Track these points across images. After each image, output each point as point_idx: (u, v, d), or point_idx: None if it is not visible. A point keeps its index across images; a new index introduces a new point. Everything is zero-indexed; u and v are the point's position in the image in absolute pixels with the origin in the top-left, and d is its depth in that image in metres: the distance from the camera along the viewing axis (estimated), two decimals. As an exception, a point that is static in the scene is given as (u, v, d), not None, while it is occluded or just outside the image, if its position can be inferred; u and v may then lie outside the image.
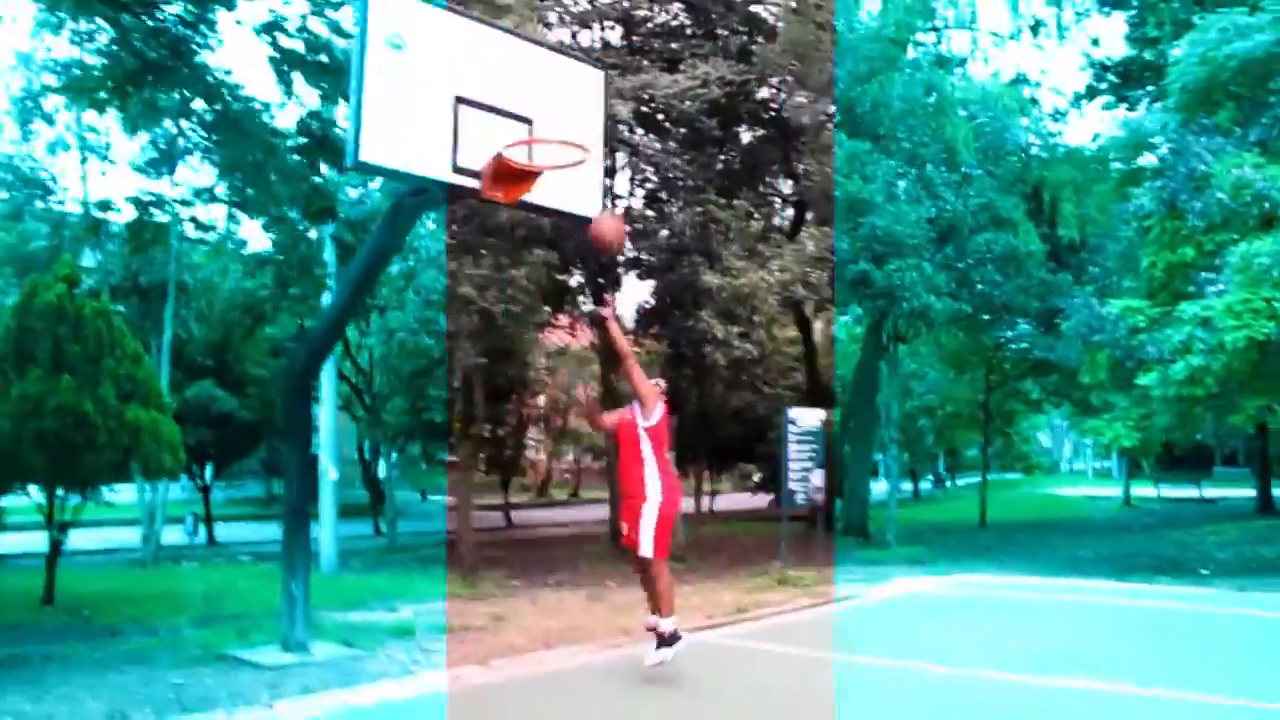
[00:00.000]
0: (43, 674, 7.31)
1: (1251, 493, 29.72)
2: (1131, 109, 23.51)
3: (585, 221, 6.78)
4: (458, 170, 6.03)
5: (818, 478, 13.67)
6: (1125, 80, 22.78)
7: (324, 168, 9.88)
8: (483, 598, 12.82)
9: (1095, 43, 23.80)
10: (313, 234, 10.05)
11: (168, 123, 12.12)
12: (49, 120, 16.42)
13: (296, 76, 9.68)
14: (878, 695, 6.59)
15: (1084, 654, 7.97)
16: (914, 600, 11.62)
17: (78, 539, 17.21)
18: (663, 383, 7.03)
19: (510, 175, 6.03)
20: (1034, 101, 22.58)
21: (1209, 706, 6.15)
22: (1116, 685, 6.63)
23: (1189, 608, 10.56)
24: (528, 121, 6.37)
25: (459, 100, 6.07)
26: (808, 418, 13.72)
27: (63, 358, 11.16)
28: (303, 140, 9.44)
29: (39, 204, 16.71)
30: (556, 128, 6.44)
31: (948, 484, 45.02)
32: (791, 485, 13.21)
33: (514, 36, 6.74)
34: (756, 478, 34.03)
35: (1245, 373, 11.46)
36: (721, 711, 6.23)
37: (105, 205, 11.50)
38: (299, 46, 9.42)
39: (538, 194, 6.37)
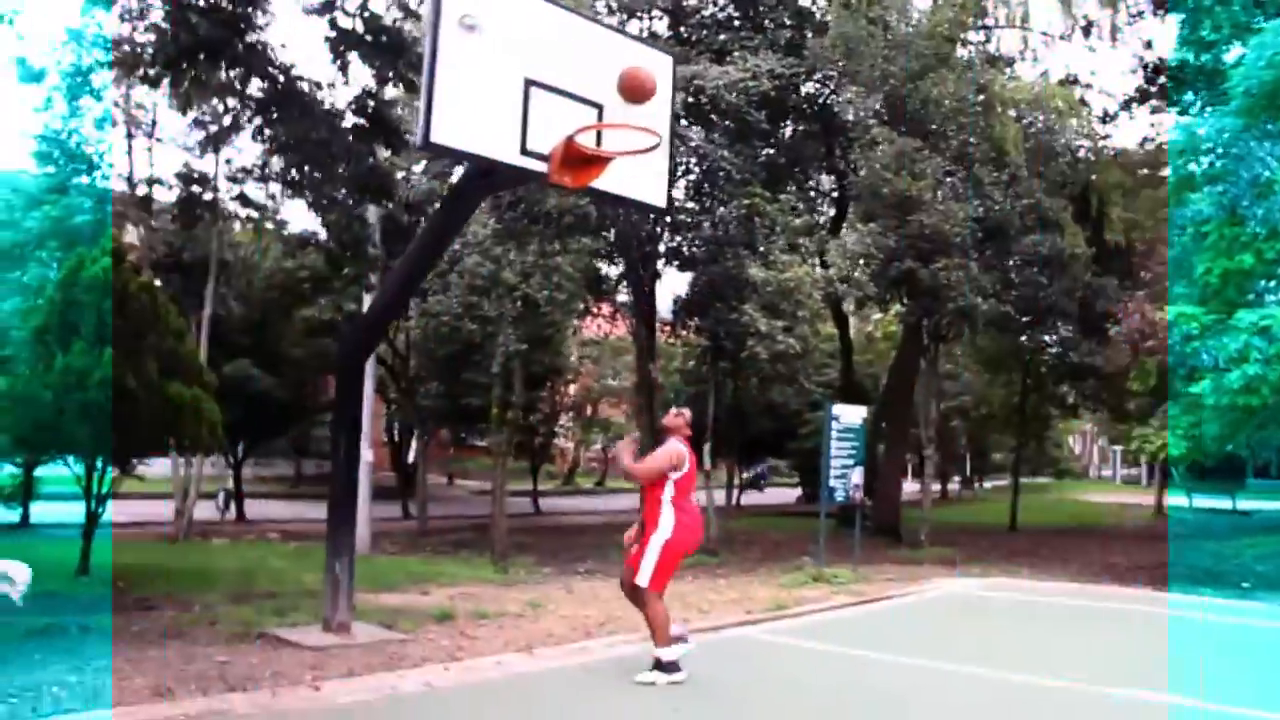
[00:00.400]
0: (82, 645, 7.30)
1: (1287, 506, 29.33)
2: (1183, 113, 23.11)
3: (646, 207, 6.67)
4: (526, 153, 5.93)
5: (857, 475, 13.53)
6: (1177, 84, 22.35)
7: (380, 150, 9.79)
8: (515, 584, 12.79)
9: (1149, 45, 23.26)
10: (365, 215, 9.93)
11: (217, 101, 12.07)
12: (97, 96, 16.45)
13: (352, 56, 9.60)
14: (930, 698, 6.47)
15: (1137, 664, 7.82)
16: (954, 601, 11.48)
17: (112, 512, 17.33)
18: (686, 413, 6.77)
19: (579, 160, 5.92)
20: (1083, 103, 22.26)
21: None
22: (1174, 698, 6.48)
23: (1237, 621, 10.36)
24: (598, 107, 6.26)
25: (529, 83, 5.96)
26: (850, 414, 13.58)
27: (106, 332, 11.18)
28: (357, 121, 9.36)
29: (84, 179, 16.74)
30: (625, 114, 6.32)
31: (975, 486, 44.67)
32: (832, 482, 13.07)
33: (585, 19, 6.63)
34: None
35: (1304, 385, 11.21)
36: (770, 711, 6.10)
37: (154, 180, 11.48)
38: (356, 26, 9.34)
39: (604, 181, 6.26)
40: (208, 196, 14.47)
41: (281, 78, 9.79)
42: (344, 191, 9.66)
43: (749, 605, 10.42)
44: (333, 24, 9.28)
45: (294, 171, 9.69)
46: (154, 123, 16.81)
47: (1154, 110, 23.51)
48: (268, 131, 9.29)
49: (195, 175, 14.27)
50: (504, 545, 15.11)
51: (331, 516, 7.60)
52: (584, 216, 13.71)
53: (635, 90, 6.23)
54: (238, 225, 16.05)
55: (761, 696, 6.51)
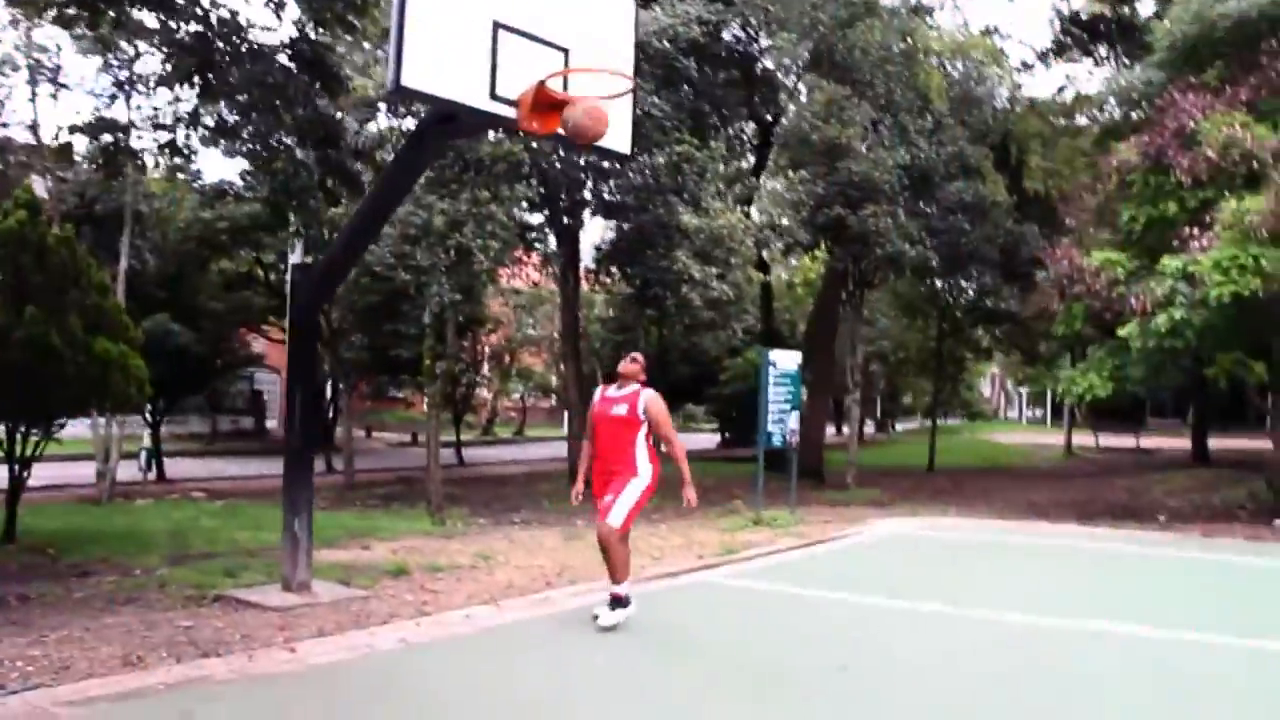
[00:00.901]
0: (28, 616, 7.03)
1: (1184, 443, 30.63)
2: (1097, 65, 23.68)
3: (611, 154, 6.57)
4: (495, 98, 5.79)
5: (794, 420, 13.72)
6: (1093, 36, 22.85)
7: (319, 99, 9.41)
8: (455, 536, 12.69)
9: (1064, -4, 23.67)
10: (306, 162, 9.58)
11: (131, 44, 11.54)
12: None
13: (286, -2, 9.23)
14: (904, 637, 6.63)
15: (1089, 596, 8.14)
16: (896, 541, 11.78)
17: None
18: (640, 358, 6.85)
19: (549, 105, 5.81)
20: (1003, 53, 22.61)
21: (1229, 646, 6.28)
22: (1138, 628, 6.77)
23: (1162, 553, 10.83)
24: (564, 51, 6.14)
25: (497, 25, 5.81)
26: (786, 360, 13.72)
27: (26, 288, 10.72)
28: (292, 66, 9.02)
29: (-1, 124, 15.93)
30: (591, 58, 6.22)
31: (890, 429, 45.70)
32: (770, 427, 13.23)
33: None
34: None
35: (1224, 328, 11.65)
36: (752, 653, 6.19)
37: (72, 128, 10.92)
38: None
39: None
40: (125, 144, 13.86)
41: (214, 19, 9.36)
42: (290, 139, 9.32)
43: (698, 550, 10.54)
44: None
45: (235, 118, 9.29)
46: (58, 68, 16.00)
47: (1069, 61, 24.03)
48: (207, 77, 8.87)
49: (110, 123, 13.63)
50: (439, 497, 14.98)
51: (288, 473, 7.44)
52: (516, 165, 13.50)
53: (583, 135, 5.77)
54: (155, 175, 15.39)
55: (739, 639, 6.60)
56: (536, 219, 20.12)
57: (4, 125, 16.33)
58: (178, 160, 10.86)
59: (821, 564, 9.97)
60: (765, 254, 24.01)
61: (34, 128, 15.84)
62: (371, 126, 12.90)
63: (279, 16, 9.41)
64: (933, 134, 17.85)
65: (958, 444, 35.31)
